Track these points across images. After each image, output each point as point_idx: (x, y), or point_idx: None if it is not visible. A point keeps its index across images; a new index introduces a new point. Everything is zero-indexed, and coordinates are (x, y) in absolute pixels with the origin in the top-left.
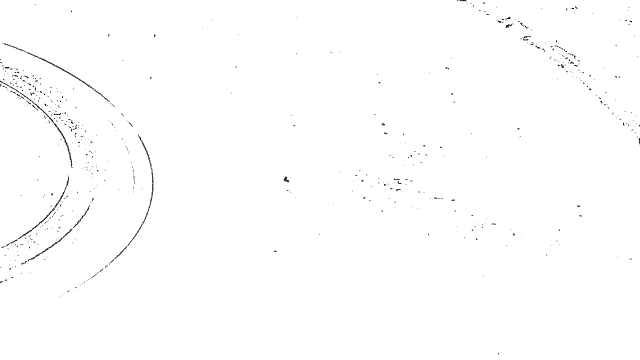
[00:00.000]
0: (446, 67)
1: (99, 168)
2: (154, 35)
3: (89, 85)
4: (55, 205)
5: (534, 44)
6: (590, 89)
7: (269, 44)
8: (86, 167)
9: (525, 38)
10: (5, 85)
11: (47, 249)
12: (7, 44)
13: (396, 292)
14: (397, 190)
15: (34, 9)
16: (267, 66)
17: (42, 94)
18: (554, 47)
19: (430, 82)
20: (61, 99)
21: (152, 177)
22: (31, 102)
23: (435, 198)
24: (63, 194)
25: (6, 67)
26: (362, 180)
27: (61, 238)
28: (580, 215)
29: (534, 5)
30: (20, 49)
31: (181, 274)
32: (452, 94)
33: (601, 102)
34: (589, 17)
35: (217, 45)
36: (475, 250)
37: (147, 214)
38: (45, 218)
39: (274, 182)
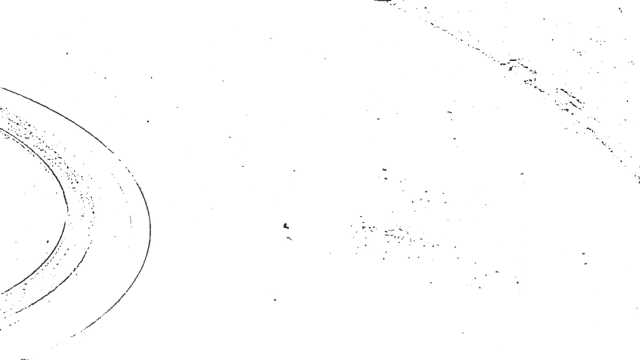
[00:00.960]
0: (449, 111)
1: (95, 215)
2: (151, 78)
3: (85, 130)
4: (51, 253)
5: (538, 87)
6: (594, 133)
7: (269, 88)
8: (82, 214)
9: (529, 81)
10: (1, 130)
11: (43, 297)
12: (4, 88)
13: (398, 341)
14: (398, 237)
15: (29, 51)
16: (266, 110)
17: (38, 138)
18: (558, 90)
19: (433, 127)
20: (57, 144)
21: (150, 223)
22: (26, 147)
23: (438, 245)
24: (59, 241)
25: (1, 110)
26: (363, 227)
27: (57, 286)
28: (585, 263)
29: (537, 48)
30: (16, 93)
31: (179, 322)
32: (454, 138)
33: (605, 146)
34: (593, 59)
35: (215, 88)
36: (479, 299)
37: (144, 262)
38: (40, 266)
39: (273, 229)
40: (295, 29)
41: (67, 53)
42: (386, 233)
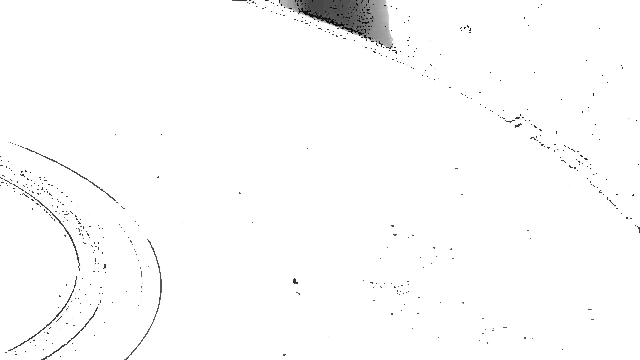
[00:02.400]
0: (455, 168)
1: (107, 270)
2: (161, 134)
3: (96, 186)
4: (63, 308)
5: (544, 145)
6: (600, 191)
7: (279, 143)
8: (94, 269)
9: (535, 138)
10: (13, 185)
11: (55, 352)
12: (13, 143)
13: None
14: (407, 292)
15: (39, 107)
16: (277, 166)
17: (49, 194)
18: (564, 147)
19: (440, 183)
20: (68, 200)
21: (161, 278)
22: (39, 203)
23: (446, 301)
24: (71, 296)
25: (13, 166)
26: (372, 283)
27: (69, 340)
28: (592, 319)
29: (543, 106)
30: (27, 149)
31: None
32: (462, 195)
33: (612, 204)
34: (599, 117)
35: (225, 145)
36: (487, 355)
37: (155, 316)
38: (52, 320)
39: (283, 284)
40: (304, 81)
41: (77, 110)
42: (395, 289)
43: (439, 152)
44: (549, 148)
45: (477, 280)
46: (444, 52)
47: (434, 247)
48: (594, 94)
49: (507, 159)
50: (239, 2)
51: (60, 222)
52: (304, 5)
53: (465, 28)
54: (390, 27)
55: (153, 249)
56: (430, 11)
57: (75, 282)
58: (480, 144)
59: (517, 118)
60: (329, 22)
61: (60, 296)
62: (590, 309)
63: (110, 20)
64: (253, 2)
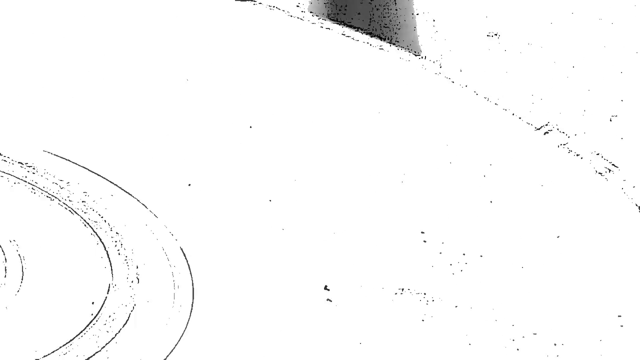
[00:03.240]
0: (484, 175)
1: (139, 277)
2: (190, 142)
3: (129, 193)
4: (96, 315)
5: (573, 152)
6: (631, 199)
7: (310, 150)
8: (127, 276)
9: (564, 145)
10: (46, 193)
11: (88, 358)
12: (48, 152)
13: None
14: (437, 299)
15: (73, 116)
16: (307, 172)
17: (83, 202)
18: (593, 154)
19: (469, 190)
20: (101, 207)
21: (193, 285)
22: (71, 210)
23: (476, 307)
24: (104, 303)
25: (46, 173)
26: (402, 289)
27: (102, 347)
28: (622, 325)
29: (572, 112)
30: (60, 156)
31: None
32: (490, 201)
33: None
34: (629, 123)
35: (256, 152)
36: None
37: (187, 323)
38: (85, 327)
39: (314, 291)
40: (331, 88)
41: (108, 118)
42: (425, 296)
43: (468, 159)
44: (577, 155)
45: (506, 286)
46: (472, 59)
47: (464, 254)
48: (622, 101)
49: (536, 166)
50: (244, 2)
51: (92, 229)
52: (332, 13)
53: (493, 35)
54: (419, 34)
55: (185, 256)
56: (458, 18)
57: (108, 289)
58: (509, 150)
59: (545, 125)
60: (356, 29)
61: (93, 303)
62: (619, 316)
63: (136, 28)
64: (259, 2)
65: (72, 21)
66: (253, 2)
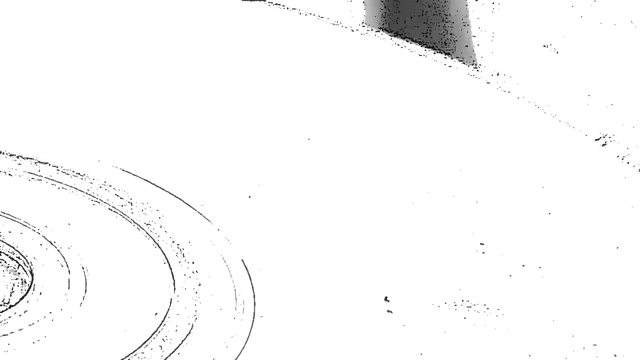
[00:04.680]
0: (543, 186)
1: (201, 288)
2: (247, 154)
3: (190, 206)
4: (159, 326)
5: (631, 163)
6: None
7: (368, 163)
8: (189, 288)
9: (621, 157)
10: (109, 206)
11: None
12: (116, 167)
13: None
14: (497, 310)
15: (135, 131)
16: (368, 184)
17: (144, 213)
18: None
19: (528, 201)
20: (163, 219)
21: (254, 297)
22: (133, 222)
23: (536, 319)
24: (166, 314)
25: (107, 186)
26: (462, 300)
27: (165, 358)
28: None
29: (629, 124)
30: (123, 169)
31: None
32: (549, 213)
33: None
34: None
35: (314, 164)
36: None
37: (249, 334)
38: (148, 339)
39: (374, 302)
40: (385, 98)
41: (166, 130)
42: (485, 306)
43: (526, 170)
44: (635, 166)
45: (566, 297)
46: (528, 70)
47: (523, 265)
48: None
49: (594, 178)
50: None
51: (154, 241)
52: (386, 24)
53: (549, 46)
54: (473, 45)
55: (246, 267)
56: (513, 29)
57: (171, 301)
58: (567, 162)
59: (603, 137)
60: (411, 41)
61: (156, 314)
62: None
63: (186, 45)
64: (270, 2)
65: (127, 42)
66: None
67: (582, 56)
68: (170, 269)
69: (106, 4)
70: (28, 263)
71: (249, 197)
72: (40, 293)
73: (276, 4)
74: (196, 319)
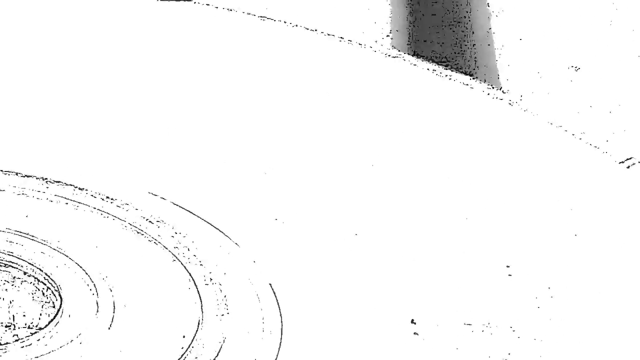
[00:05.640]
0: (570, 208)
1: (229, 311)
2: (265, 173)
3: (218, 229)
4: (187, 348)
5: None
6: None
7: (394, 186)
8: (217, 311)
9: None
10: (136, 229)
11: None
12: (145, 190)
13: None
14: (523, 333)
15: (165, 154)
16: (393, 207)
17: (171, 236)
18: None
19: (554, 223)
20: (191, 243)
21: (281, 319)
22: (161, 245)
23: (562, 341)
24: (194, 336)
25: (137, 210)
26: (489, 323)
27: None
28: None
29: None
30: (155, 194)
31: None
32: (575, 235)
33: None
34: None
35: (339, 187)
36: None
37: (277, 357)
38: None
39: (401, 325)
40: (411, 120)
41: (197, 159)
42: (511, 329)
43: (553, 192)
44: None
45: (592, 320)
46: (553, 91)
47: (549, 287)
48: None
49: (620, 200)
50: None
51: (182, 264)
52: (413, 46)
53: (574, 68)
54: (498, 67)
55: (273, 290)
56: (538, 50)
57: (199, 323)
58: (593, 184)
59: (628, 159)
60: (437, 63)
61: (184, 336)
62: None
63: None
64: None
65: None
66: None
67: (608, 78)
68: (198, 291)
69: (121, 27)
70: (57, 286)
71: (276, 219)
72: (69, 315)
73: (303, 27)
74: (224, 340)
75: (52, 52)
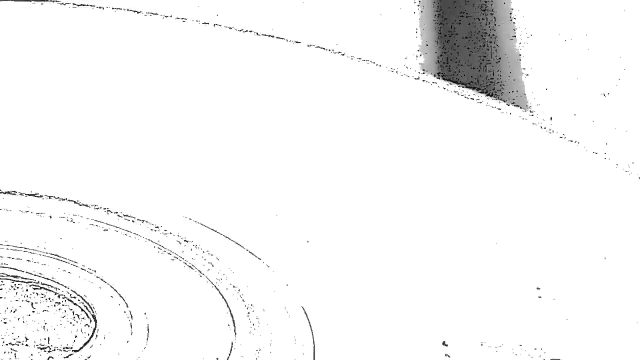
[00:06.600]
0: (598, 231)
1: (261, 334)
2: (305, 198)
3: (251, 252)
4: None
5: None
6: None
7: (428, 211)
8: (249, 333)
9: None
10: (169, 251)
11: None
12: (179, 214)
13: None
14: (555, 355)
15: (197, 178)
16: (423, 232)
17: (203, 258)
18: None
19: (583, 246)
20: (223, 265)
21: (314, 343)
22: (194, 268)
23: None
24: (227, 359)
25: (169, 234)
26: (520, 345)
27: None
28: None
29: None
30: (188, 217)
31: None
32: (605, 257)
33: None
34: None
35: (373, 209)
36: None
37: None
38: None
39: (432, 347)
40: (435, 140)
41: (232, 182)
42: (542, 351)
43: (580, 214)
44: None
45: (623, 342)
46: (583, 116)
47: (579, 310)
48: None
49: None
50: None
51: (215, 286)
52: (440, 69)
53: (605, 94)
54: (526, 90)
55: (306, 312)
56: (568, 75)
57: (231, 346)
58: (620, 207)
59: None
60: (465, 86)
61: (217, 359)
62: None
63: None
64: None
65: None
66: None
67: (636, 101)
68: (231, 313)
69: (139, 46)
70: (91, 309)
71: (307, 241)
72: (104, 338)
73: (330, 50)
74: None
75: (72, 74)
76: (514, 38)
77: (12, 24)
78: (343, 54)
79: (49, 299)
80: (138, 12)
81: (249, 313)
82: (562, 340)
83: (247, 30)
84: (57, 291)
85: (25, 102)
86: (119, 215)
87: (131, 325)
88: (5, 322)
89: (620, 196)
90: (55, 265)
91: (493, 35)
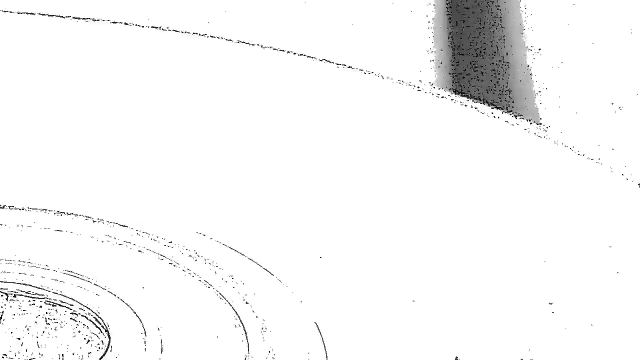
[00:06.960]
0: (610, 246)
1: (275, 349)
2: (317, 214)
3: (264, 268)
4: None
5: None
6: None
7: (440, 227)
8: (262, 348)
9: None
10: (181, 266)
11: None
12: (192, 230)
13: None
14: None
15: (210, 193)
16: (436, 247)
17: (215, 273)
18: None
19: (596, 260)
20: (236, 282)
21: (327, 358)
22: (207, 283)
23: None
24: None
25: (182, 248)
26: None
27: None
28: None
29: None
30: (200, 233)
31: None
32: (617, 272)
33: None
34: None
35: (384, 223)
36: None
37: None
38: None
39: None
40: (446, 155)
41: (240, 197)
42: None
43: (592, 229)
44: None
45: (624, 343)
46: (595, 130)
47: (592, 325)
48: None
49: None
50: None
51: (228, 301)
52: (455, 84)
53: (619, 108)
54: (537, 105)
55: (319, 329)
56: (581, 89)
57: None
58: (633, 221)
59: None
60: (477, 101)
61: None
62: None
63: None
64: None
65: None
66: None
67: None
68: (244, 329)
69: (146, 60)
70: (105, 325)
71: (320, 257)
72: (117, 355)
73: (342, 65)
74: None
75: (81, 90)
76: (525, 51)
77: (12, 36)
78: (350, 67)
79: (63, 315)
80: (142, 27)
81: (262, 329)
82: (574, 355)
83: (253, 44)
84: (71, 307)
85: (36, 117)
86: (130, 231)
87: (145, 342)
88: (19, 339)
89: (629, 209)
90: (69, 282)
91: (505, 54)
